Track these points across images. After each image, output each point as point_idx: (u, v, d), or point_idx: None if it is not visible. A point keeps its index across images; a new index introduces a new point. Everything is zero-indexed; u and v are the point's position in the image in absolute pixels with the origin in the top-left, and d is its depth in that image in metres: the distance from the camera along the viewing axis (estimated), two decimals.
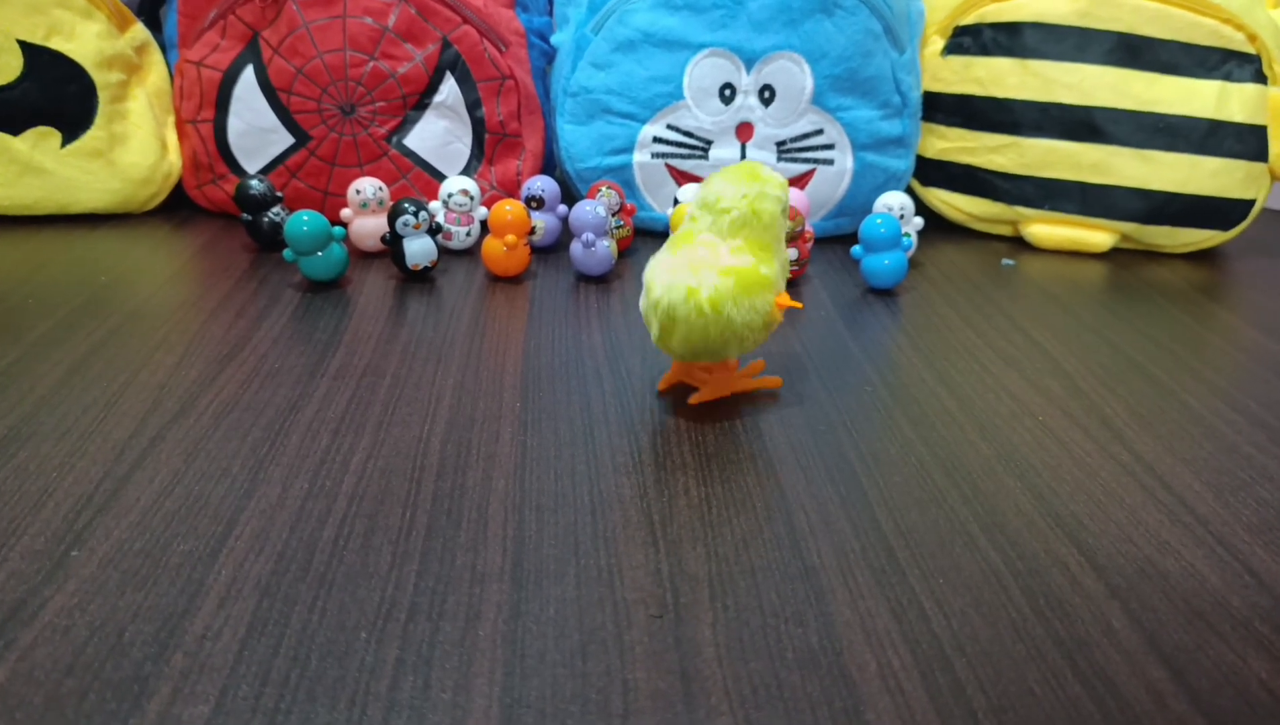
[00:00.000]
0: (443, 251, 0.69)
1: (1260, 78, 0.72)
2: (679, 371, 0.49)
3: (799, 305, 0.46)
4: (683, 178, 0.74)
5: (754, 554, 0.35)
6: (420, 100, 0.72)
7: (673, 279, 0.43)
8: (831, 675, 0.30)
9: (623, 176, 0.74)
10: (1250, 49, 0.72)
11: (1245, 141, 0.72)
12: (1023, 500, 0.40)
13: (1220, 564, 0.36)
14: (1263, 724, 0.29)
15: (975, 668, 0.30)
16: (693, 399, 0.47)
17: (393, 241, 0.62)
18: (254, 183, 0.66)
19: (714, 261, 0.43)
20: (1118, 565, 0.36)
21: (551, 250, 0.71)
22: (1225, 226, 0.75)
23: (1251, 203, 0.74)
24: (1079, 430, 0.46)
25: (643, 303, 0.44)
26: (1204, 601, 0.34)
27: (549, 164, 0.78)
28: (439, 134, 0.73)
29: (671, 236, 0.46)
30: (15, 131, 0.69)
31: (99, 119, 0.71)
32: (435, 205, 0.68)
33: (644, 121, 0.72)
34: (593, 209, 0.62)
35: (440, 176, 0.74)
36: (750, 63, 0.70)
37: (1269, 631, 0.33)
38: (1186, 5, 0.71)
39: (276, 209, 0.67)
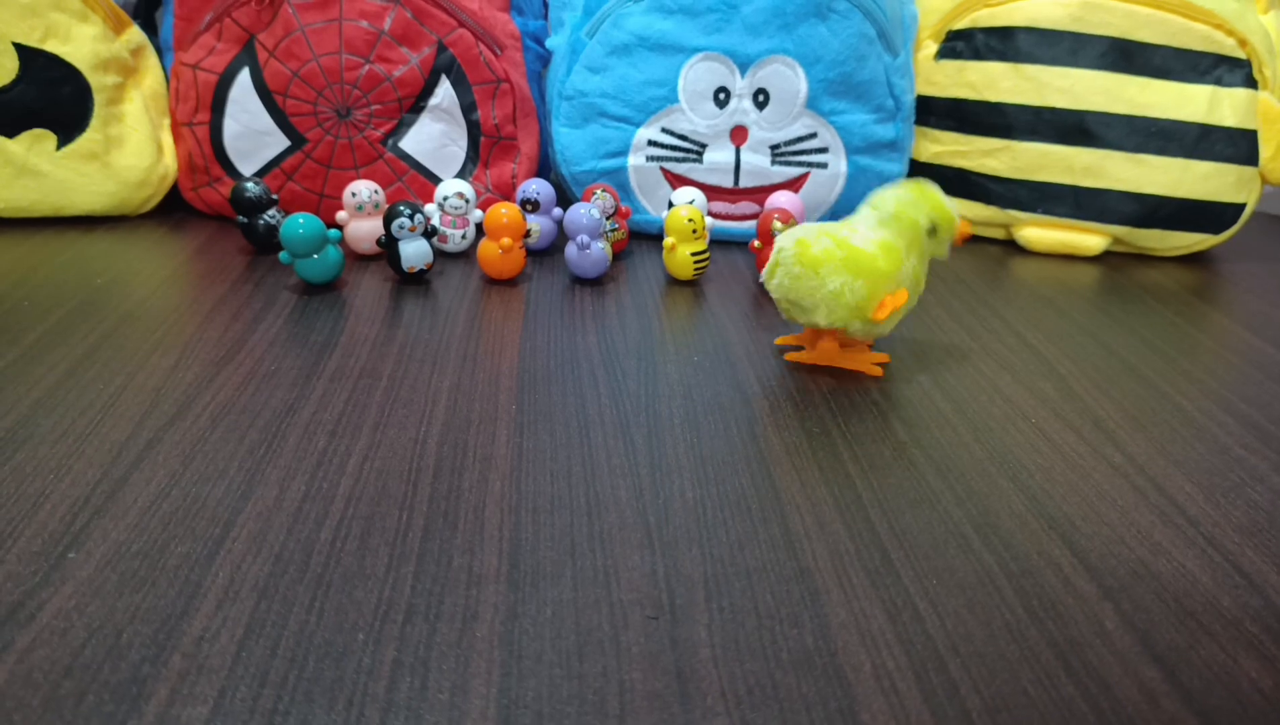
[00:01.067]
0: (438, 254, 0.69)
1: (1250, 82, 0.72)
2: (805, 335, 0.53)
3: (900, 300, 0.48)
4: (677, 181, 0.74)
5: (749, 555, 0.35)
6: (416, 103, 0.72)
7: (801, 232, 0.48)
8: (826, 676, 0.30)
9: (618, 179, 0.74)
10: (1241, 54, 0.72)
11: (1236, 145, 0.73)
12: (1016, 502, 0.40)
13: (1211, 565, 0.36)
14: (1254, 723, 0.29)
15: (969, 668, 0.30)
16: (791, 356, 0.52)
17: (388, 244, 0.62)
18: (249, 185, 0.66)
19: (842, 235, 0.48)
20: (1110, 566, 0.36)
21: (547, 253, 0.71)
22: (1216, 230, 0.75)
23: (1242, 206, 0.74)
24: (1072, 432, 0.47)
25: None
26: (1195, 602, 0.34)
27: (544, 167, 0.78)
28: (434, 137, 0.73)
29: None
30: (10, 134, 0.69)
31: (94, 121, 0.71)
32: (431, 208, 0.68)
33: (639, 125, 0.72)
34: (587, 212, 0.62)
35: (436, 179, 0.74)
36: (744, 66, 0.71)
37: (1259, 631, 0.33)
38: (1178, 10, 0.72)
39: (272, 211, 0.67)
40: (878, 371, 0.51)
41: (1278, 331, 0.62)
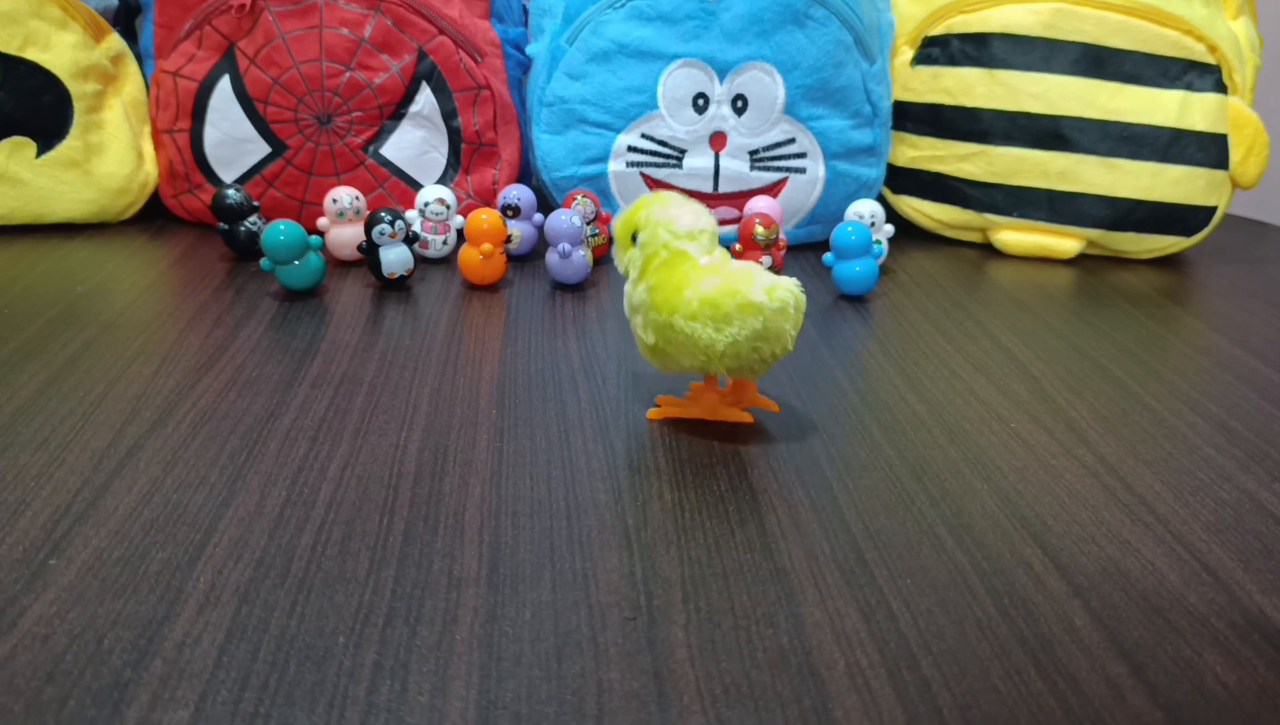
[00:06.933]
0: (419, 260, 0.69)
1: (1220, 87, 0.74)
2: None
3: None
4: (657, 186, 0.74)
5: (726, 557, 0.36)
6: (396, 110, 0.72)
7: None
8: (801, 674, 0.30)
9: (598, 185, 0.75)
10: (1211, 60, 0.73)
11: (1206, 150, 0.74)
12: (989, 502, 0.41)
13: (1179, 563, 0.37)
14: (1218, 717, 0.30)
15: (941, 666, 0.31)
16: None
17: (369, 250, 0.62)
18: (231, 192, 0.66)
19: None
20: (1080, 565, 0.37)
21: (527, 258, 0.71)
22: (1188, 233, 0.76)
23: (1213, 210, 0.76)
24: (1045, 433, 0.47)
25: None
26: (1163, 599, 0.35)
27: (525, 173, 0.78)
28: (415, 143, 0.73)
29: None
30: None
31: (74, 129, 0.71)
32: (412, 214, 0.68)
33: (619, 131, 0.73)
34: (568, 219, 0.62)
35: (417, 186, 0.74)
36: (723, 73, 0.71)
37: (1225, 628, 0.34)
38: (1149, 17, 0.73)
39: (253, 218, 0.67)
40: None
41: (1246, 334, 0.63)
